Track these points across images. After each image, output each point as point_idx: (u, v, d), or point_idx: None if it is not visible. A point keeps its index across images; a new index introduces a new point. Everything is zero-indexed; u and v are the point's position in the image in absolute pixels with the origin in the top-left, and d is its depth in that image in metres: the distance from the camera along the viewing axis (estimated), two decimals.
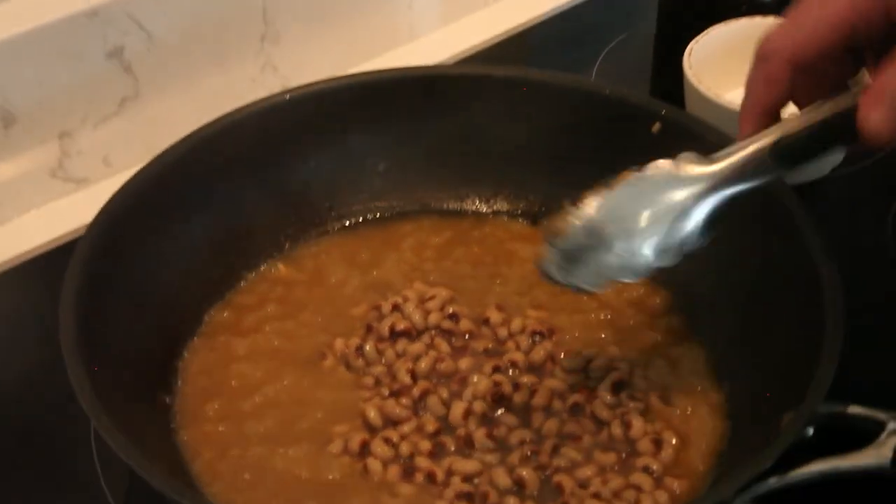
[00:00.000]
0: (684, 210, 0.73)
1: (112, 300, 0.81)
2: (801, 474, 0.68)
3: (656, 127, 0.91)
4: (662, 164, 0.74)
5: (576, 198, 0.75)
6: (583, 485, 0.77)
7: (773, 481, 0.68)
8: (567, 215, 0.75)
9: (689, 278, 0.88)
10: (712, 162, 0.72)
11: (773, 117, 0.72)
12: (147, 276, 0.85)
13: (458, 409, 0.81)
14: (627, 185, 0.74)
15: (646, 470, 0.78)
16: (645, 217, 0.73)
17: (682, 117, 0.91)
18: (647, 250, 0.74)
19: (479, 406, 0.81)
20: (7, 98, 0.99)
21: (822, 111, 0.69)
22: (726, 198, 0.72)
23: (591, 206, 0.74)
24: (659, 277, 0.90)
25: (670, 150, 0.89)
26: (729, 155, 0.72)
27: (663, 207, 0.73)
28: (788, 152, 0.70)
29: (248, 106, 0.93)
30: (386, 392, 0.83)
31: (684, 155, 0.73)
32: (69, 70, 1.01)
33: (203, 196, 0.90)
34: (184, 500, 0.67)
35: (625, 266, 0.74)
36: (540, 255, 0.76)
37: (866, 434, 0.70)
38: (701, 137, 0.88)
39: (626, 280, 0.76)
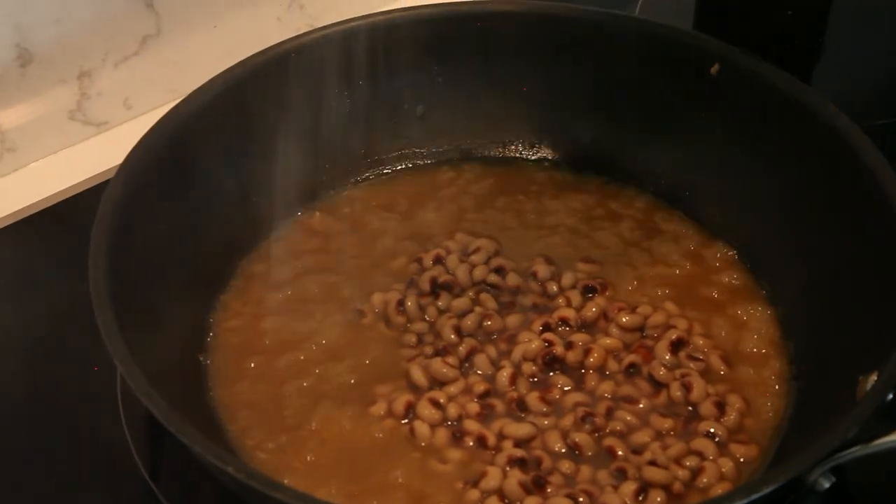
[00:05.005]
0: None
1: (141, 251, 0.76)
2: (890, 442, 0.63)
3: (715, 68, 0.86)
4: None
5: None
6: (638, 450, 0.73)
7: (857, 450, 0.63)
8: None
9: (754, 230, 0.84)
10: None
11: None
12: (176, 227, 0.80)
13: (504, 374, 0.77)
14: None
15: (708, 435, 0.73)
16: None
17: (744, 59, 0.85)
18: None
19: (528, 368, 0.77)
20: (25, 36, 0.94)
21: None
22: None
23: None
24: (717, 230, 0.86)
25: (727, 93, 0.86)
26: None
27: None
28: None
29: (276, 46, 0.88)
30: (430, 350, 0.79)
31: None
32: (89, 6, 0.96)
33: (232, 142, 0.86)
34: (224, 466, 0.62)
35: None
36: None
37: None
38: (762, 79, 0.84)
39: None
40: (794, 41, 1.10)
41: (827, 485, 0.64)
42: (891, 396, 0.66)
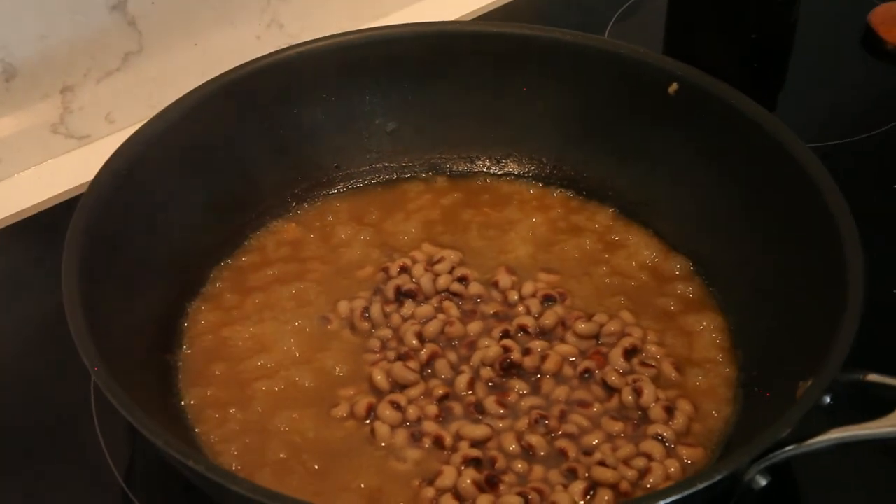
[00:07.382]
0: None
1: (114, 258, 0.79)
2: (819, 442, 0.66)
3: (673, 88, 0.89)
4: None
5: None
6: (588, 451, 0.75)
7: (790, 449, 0.66)
8: None
9: (706, 244, 0.87)
10: None
11: None
12: (150, 234, 0.83)
13: (463, 378, 0.79)
14: None
15: (657, 438, 0.76)
16: None
17: (700, 78, 0.88)
18: None
19: (486, 373, 0.80)
20: (9, 51, 0.97)
21: None
22: None
23: None
24: (674, 243, 0.89)
25: (686, 113, 0.89)
26: None
27: None
28: None
29: (253, 61, 0.91)
30: (393, 355, 0.81)
31: None
32: (72, 23, 0.99)
33: (207, 154, 0.88)
34: (189, 463, 0.65)
35: None
36: None
37: (884, 402, 0.68)
38: (717, 98, 0.87)
39: None
40: (759, 65, 1.14)
41: (763, 483, 0.67)
42: (828, 400, 0.69)
